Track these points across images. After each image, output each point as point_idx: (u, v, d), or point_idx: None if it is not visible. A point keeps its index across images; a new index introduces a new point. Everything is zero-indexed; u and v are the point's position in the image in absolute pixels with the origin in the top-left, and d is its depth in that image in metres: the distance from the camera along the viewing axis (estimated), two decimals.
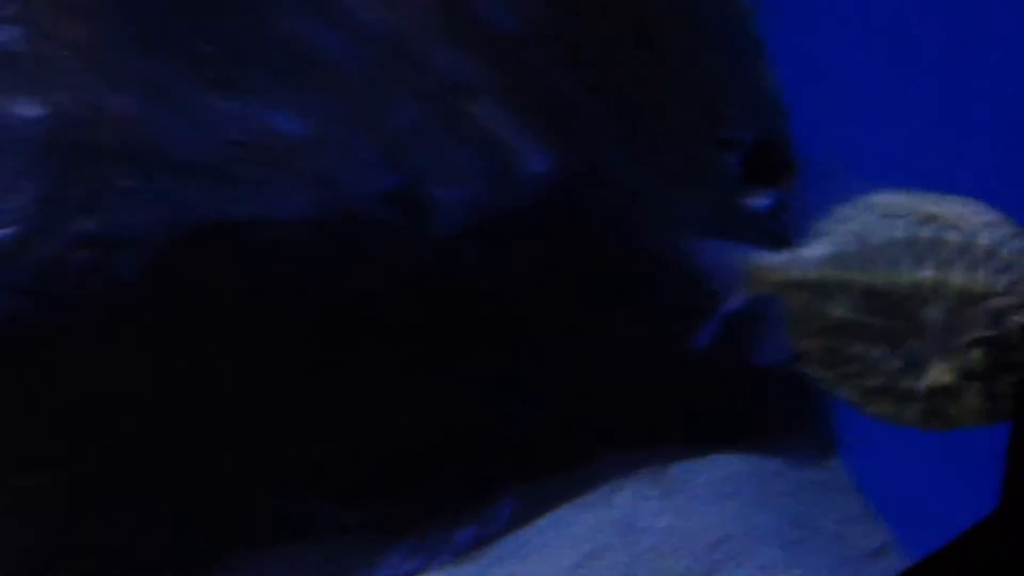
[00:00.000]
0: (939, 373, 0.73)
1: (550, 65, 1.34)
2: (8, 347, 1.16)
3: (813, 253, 0.77)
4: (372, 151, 1.24)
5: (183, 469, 1.27)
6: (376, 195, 1.24)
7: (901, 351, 0.74)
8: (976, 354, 0.75)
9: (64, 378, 1.20)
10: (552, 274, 1.33)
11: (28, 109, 1.12)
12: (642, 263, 1.33)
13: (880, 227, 0.75)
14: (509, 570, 1.30)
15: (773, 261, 0.78)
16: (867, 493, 1.40)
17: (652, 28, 1.36)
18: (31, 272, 1.13)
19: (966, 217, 0.76)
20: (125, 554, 1.30)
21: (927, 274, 0.73)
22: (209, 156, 1.18)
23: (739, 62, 1.43)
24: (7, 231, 1.12)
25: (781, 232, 1.36)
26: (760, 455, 1.38)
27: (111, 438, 1.23)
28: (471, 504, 1.39)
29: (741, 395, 1.43)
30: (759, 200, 1.40)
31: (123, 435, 1.22)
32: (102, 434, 1.22)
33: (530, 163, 1.31)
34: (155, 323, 1.20)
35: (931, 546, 0.78)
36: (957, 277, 0.73)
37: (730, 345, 1.36)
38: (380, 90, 1.25)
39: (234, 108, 1.18)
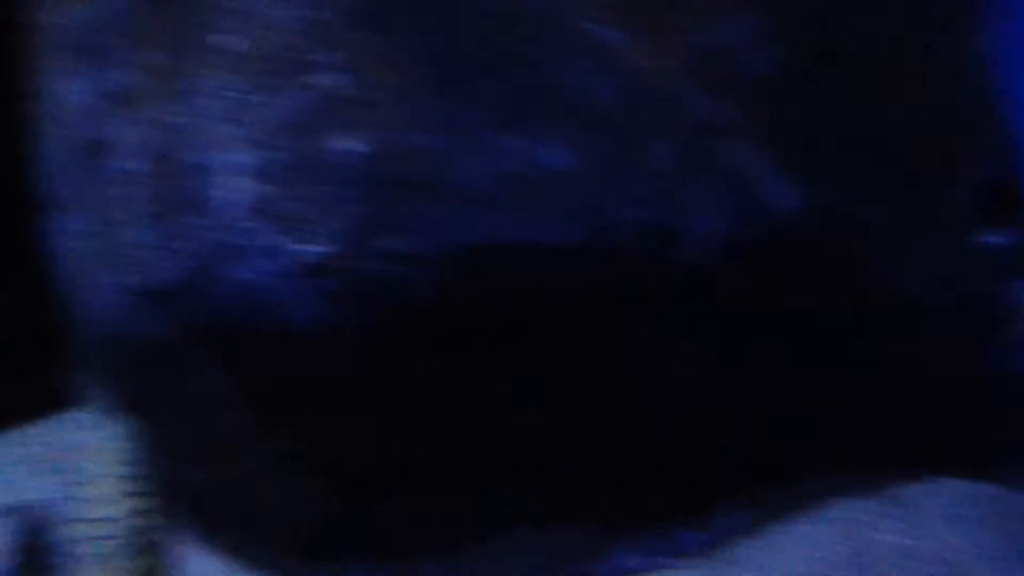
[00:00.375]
0: None
1: (797, 105, 1.43)
2: (326, 345, 1.35)
3: None
4: (630, 185, 1.36)
5: (454, 466, 1.43)
6: (633, 225, 1.36)
7: None
8: None
9: (369, 375, 1.38)
10: (797, 302, 1.42)
11: (353, 144, 1.30)
12: (887, 295, 1.40)
13: None
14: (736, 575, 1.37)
15: None
16: None
17: (893, 68, 1.43)
18: (347, 282, 1.32)
19: None
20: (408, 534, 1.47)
21: None
22: (491, 186, 1.32)
23: (976, 102, 1.48)
24: (331, 248, 1.31)
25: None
26: (986, 480, 1.42)
27: (408, 426, 1.40)
28: (698, 508, 1.49)
29: (968, 421, 1.47)
30: (999, 237, 1.45)
31: (415, 423, 1.39)
32: (406, 420, 1.39)
33: (778, 199, 1.40)
34: (442, 329, 1.36)
35: None
36: None
37: (973, 374, 1.42)
38: (639, 129, 1.38)
39: (514, 145, 1.32)
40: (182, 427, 1.41)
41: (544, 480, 1.46)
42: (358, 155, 1.32)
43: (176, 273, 1.37)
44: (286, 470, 1.46)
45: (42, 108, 1.56)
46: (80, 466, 1.71)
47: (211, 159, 1.35)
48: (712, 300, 1.38)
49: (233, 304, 1.36)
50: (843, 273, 1.40)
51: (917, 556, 1.30)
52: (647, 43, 1.36)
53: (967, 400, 1.43)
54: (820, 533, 1.35)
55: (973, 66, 1.46)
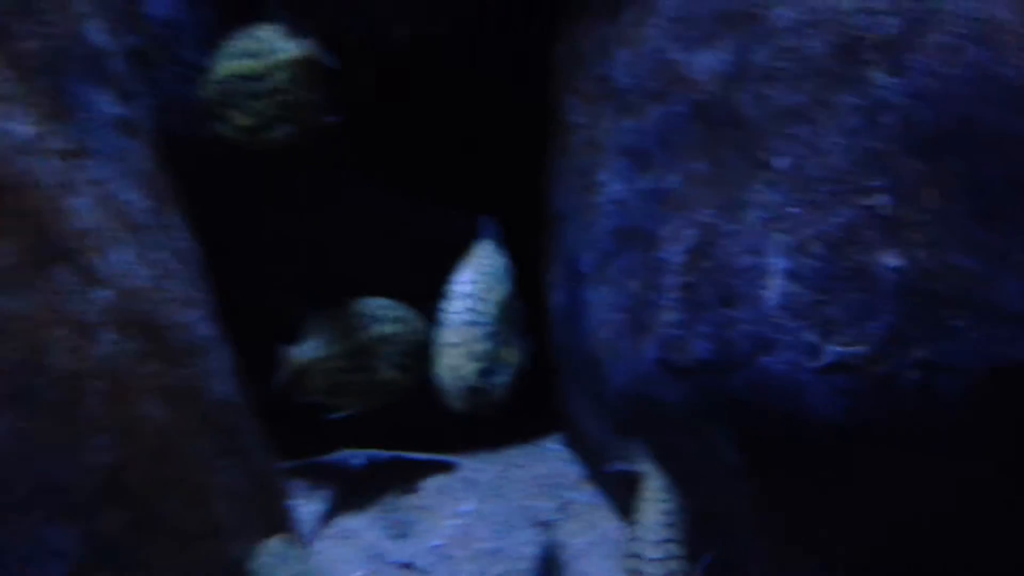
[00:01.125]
0: None
1: None
2: (840, 436, 1.46)
3: None
4: None
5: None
6: None
7: None
8: None
9: (875, 473, 1.47)
10: None
11: (892, 260, 1.41)
12: None
13: None
14: None
15: None
16: None
17: None
18: (873, 383, 1.42)
19: None
20: None
21: None
22: None
23: None
24: (862, 348, 1.42)
25: None
26: None
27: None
28: None
29: None
30: None
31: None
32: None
33: None
34: (962, 440, 1.44)
35: None
36: None
37: None
38: None
39: None
40: (689, 487, 1.58)
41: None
42: (894, 269, 1.42)
43: (708, 354, 1.53)
44: (777, 544, 1.58)
45: (586, 198, 1.81)
46: (562, 494, 1.95)
47: (749, 260, 1.50)
48: None
49: (758, 388, 1.49)
50: None
51: None
52: None
53: None
54: None
55: None
